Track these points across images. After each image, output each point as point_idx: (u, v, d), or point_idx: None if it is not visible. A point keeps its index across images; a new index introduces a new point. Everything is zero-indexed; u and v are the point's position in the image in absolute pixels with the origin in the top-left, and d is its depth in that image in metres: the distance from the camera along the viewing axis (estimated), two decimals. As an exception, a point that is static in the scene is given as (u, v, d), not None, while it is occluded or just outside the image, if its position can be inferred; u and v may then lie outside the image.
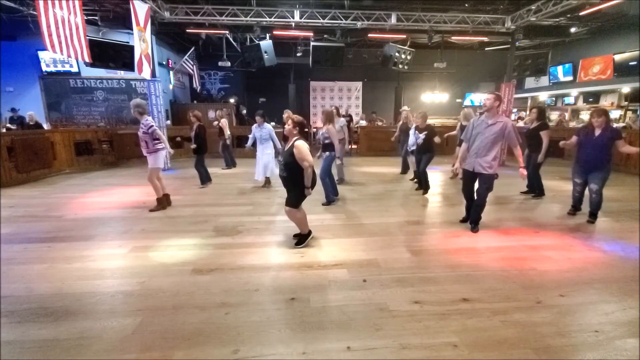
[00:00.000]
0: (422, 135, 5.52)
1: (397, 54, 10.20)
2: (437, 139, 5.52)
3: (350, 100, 16.68)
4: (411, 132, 5.98)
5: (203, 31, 10.34)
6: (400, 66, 10.39)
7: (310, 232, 3.52)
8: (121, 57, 7.97)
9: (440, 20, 9.36)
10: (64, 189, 6.25)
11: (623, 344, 2.00)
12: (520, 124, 10.77)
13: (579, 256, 3.24)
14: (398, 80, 15.38)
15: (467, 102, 16.35)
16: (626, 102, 11.70)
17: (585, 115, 12.48)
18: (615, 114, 11.61)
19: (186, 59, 11.39)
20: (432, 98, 16.38)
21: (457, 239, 3.70)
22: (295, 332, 2.10)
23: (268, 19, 8.92)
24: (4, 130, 8.28)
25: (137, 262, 3.10)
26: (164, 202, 4.79)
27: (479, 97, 15.93)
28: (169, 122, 11.34)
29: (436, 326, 2.15)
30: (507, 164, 8.62)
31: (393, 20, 9.24)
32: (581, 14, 8.87)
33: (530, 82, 15.49)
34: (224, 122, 7.80)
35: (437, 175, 7.38)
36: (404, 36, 10.96)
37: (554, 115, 13.59)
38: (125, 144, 9.03)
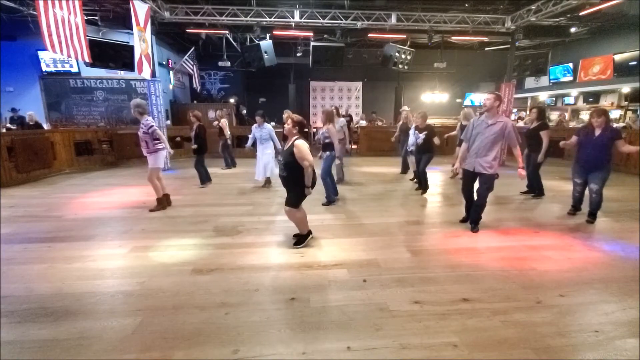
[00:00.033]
0: (422, 135, 5.51)
1: (397, 54, 10.20)
2: (436, 140, 5.52)
3: (350, 100, 16.69)
4: (411, 132, 5.98)
5: (203, 31, 10.35)
6: (400, 66, 10.40)
7: (310, 232, 3.52)
8: (121, 57, 7.97)
9: (440, 20, 9.36)
10: (64, 189, 6.25)
11: (623, 344, 2.00)
12: (520, 124, 10.77)
13: (579, 256, 3.24)
14: (398, 80, 15.39)
15: (467, 102, 16.35)
16: (626, 102, 11.70)
17: (585, 115, 12.49)
18: (615, 114, 11.62)
19: (186, 59, 11.39)
20: (432, 98, 16.38)
21: (457, 239, 3.70)
22: (295, 332, 2.10)
23: (268, 19, 8.92)
24: (4, 130, 8.28)
25: (137, 262, 3.10)
26: (164, 202, 4.80)
27: (479, 97, 15.93)
28: (169, 122, 11.34)
29: (436, 326, 2.15)
30: (507, 164, 8.62)
31: (393, 20, 9.24)
32: (581, 14, 8.88)
33: (530, 82, 15.50)
34: (224, 122, 7.80)
35: (437, 175, 7.38)
36: (404, 36, 10.96)
37: (554, 115, 13.59)
38: (125, 144, 9.03)
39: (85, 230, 3.96)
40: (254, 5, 8.74)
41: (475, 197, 3.86)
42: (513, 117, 13.57)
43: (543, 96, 15.20)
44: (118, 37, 9.94)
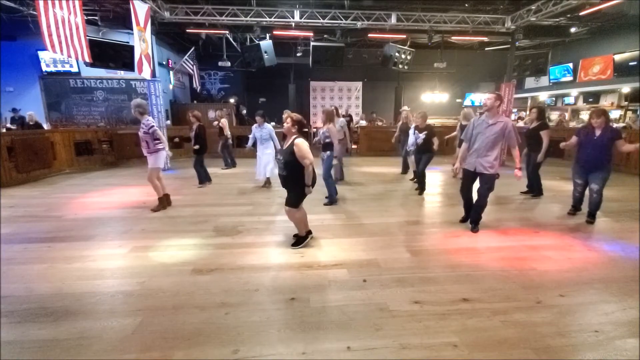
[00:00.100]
0: (422, 135, 5.51)
1: (397, 54, 10.20)
2: (435, 142, 5.51)
3: (350, 100, 16.69)
4: (411, 132, 5.98)
5: (203, 31, 10.35)
6: (400, 66, 10.40)
7: (310, 232, 3.52)
8: (121, 57, 7.97)
9: (440, 20, 9.36)
10: (64, 189, 6.25)
11: (623, 344, 2.00)
12: (520, 124, 10.78)
13: (579, 256, 3.24)
14: (398, 80, 15.39)
15: (467, 102, 16.35)
16: (626, 102, 11.70)
17: (585, 115, 12.48)
18: (615, 114, 11.62)
19: (186, 59, 11.39)
20: (432, 98, 16.38)
21: (457, 239, 3.70)
22: (295, 332, 2.10)
23: (268, 19, 8.92)
24: (4, 130, 8.28)
25: (137, 262, 3.10)
26: (164, 202, 4.80)
27: (479, 97, 15.93)
28: (168, 122, 11.34)
29: (436, 326, 2.15)
30: (507, 164, 8.61)
31: (393, 20, 9.24)
32: (581, 14, 8.88)
33: (530, 82, 15.50)
34: (224, 122, 7.80)
35: (437, 175, 7.38)
36: (404, 36, 10.96)
37: (554, 115, 13.60)
38: (125, 144, 9.03)
39: (85, 230, 3.96)
40: (254, 5, 8.74)
41: (476, 197, 3.85)
42: (513, 117, 13.58)
43: (543, 96, 15.20)
44: (118, 37, 9.94)
